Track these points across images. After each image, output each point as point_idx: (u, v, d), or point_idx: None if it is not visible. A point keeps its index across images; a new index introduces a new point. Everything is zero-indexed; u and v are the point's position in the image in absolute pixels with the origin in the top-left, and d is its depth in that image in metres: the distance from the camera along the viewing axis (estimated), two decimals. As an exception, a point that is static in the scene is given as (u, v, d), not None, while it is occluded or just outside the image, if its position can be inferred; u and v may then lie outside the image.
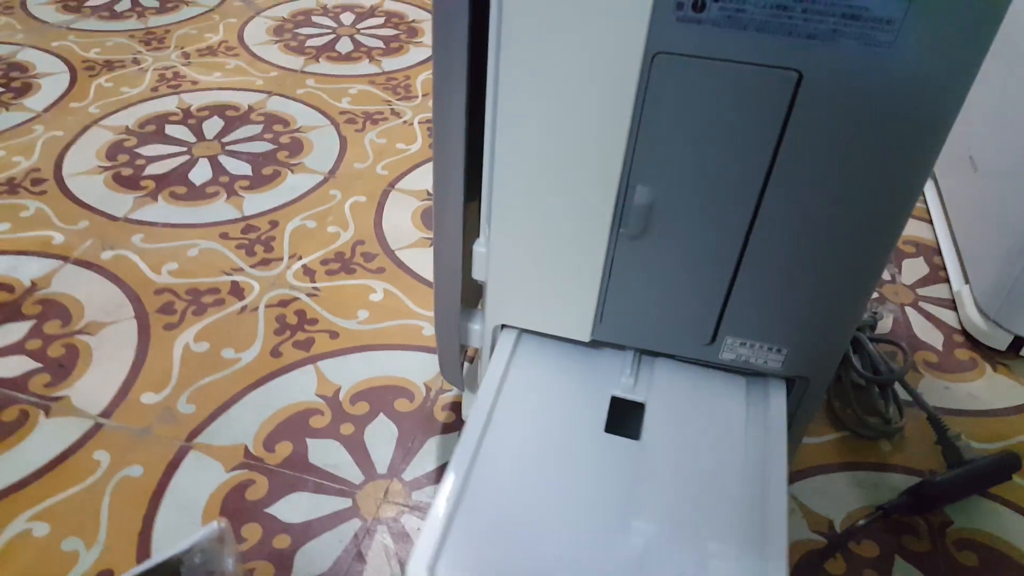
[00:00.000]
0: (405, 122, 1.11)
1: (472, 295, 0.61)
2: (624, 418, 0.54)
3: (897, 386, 0.75)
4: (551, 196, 0.48)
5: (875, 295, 0.92)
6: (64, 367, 0.73)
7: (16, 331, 0.76)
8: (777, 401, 0.53)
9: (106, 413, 0.68)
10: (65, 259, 0.84)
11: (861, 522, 0.63)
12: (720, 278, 0.50)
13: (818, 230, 0.46)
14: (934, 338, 0.85)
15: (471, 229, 0.55)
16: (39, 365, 0.73)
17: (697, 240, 0.48)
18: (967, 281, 0.90)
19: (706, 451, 0.50)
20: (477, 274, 0.55)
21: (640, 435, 0.51)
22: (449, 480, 0.46)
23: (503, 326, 0.57)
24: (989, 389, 0.78)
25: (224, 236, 0.88)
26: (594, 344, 0.57)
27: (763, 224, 0.46)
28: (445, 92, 0.47)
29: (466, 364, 0.66)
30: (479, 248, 0.54)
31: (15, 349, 0.74)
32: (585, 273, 0.52)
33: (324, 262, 0.86)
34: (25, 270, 0.83)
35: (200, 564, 0.37)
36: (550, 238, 0.50)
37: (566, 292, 0.53)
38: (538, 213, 0.49)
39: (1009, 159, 0.85)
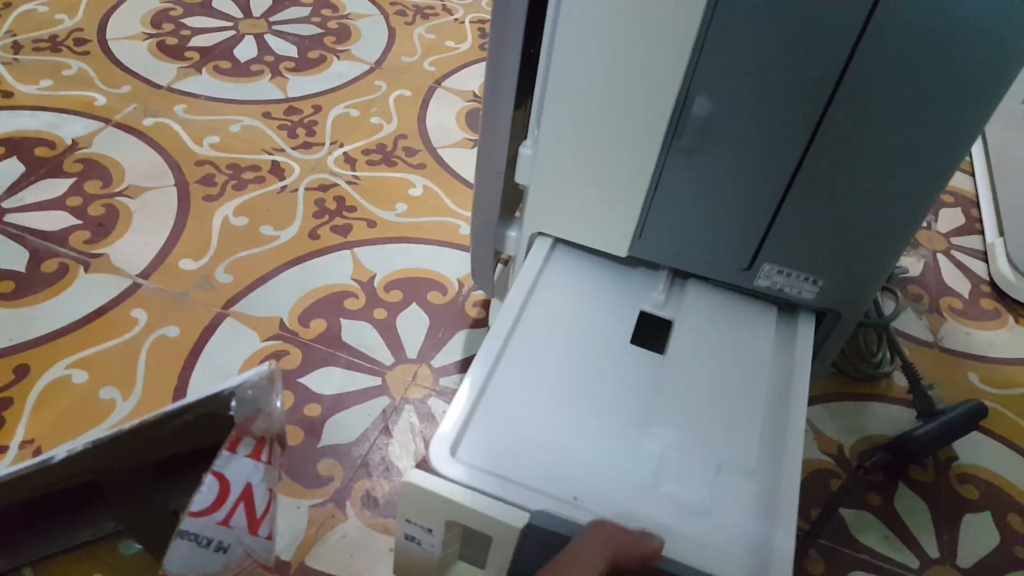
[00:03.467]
0: (456, 19, 1.09)
1: (510, 203, 0.61)
2: (651, 334, 0.54)
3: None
4: (606, 102, 0.47)
5: (912, 242, 0.91)
6: (104, 226, 0.73)
7: (57, 187, 0.76)
8: (805, 331, 0.54)
9: (144, 274, 0.69)
10: (107, 121, 0.84)
11: (847, 484, 0.62)
12: (768, 201, 0.49)
13: (873, 162, 0.45)
14: (961, 286, 0.85)
15: (518, 132, 0.54)
16: (79, 222, 0.73)
17: (750, 159, 0.47)
18: (1001, 234, 0.90)
19: (730, 371, 0.51)
20: (520, 177, 0.54)
21: (665, 350, 0.52)
22: (476, 370, 0.46)
23: (539, 234, 0.57)
24: (1010, 339, 0.79)
25: (267, 115, 0.87)
26: (627, 261, 0.56)
27: (819, 149, 0.45)
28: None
29: (498, 269, 0.66)
30: (525, 150, 0.53)
31: (56, 204, 0.75)
32: (631, 185, 0.51)
33: (365, 152, 0.85)
34: (67, 128, 0.82)
35: (250, 399, 0.38)
36: (600, 146, 0.49)
37: (608, 204, 0.52)
38: (591, 118, 0.48)
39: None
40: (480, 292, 0.73)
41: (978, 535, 0.61)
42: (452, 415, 0.44)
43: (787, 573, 0.38)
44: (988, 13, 0.38)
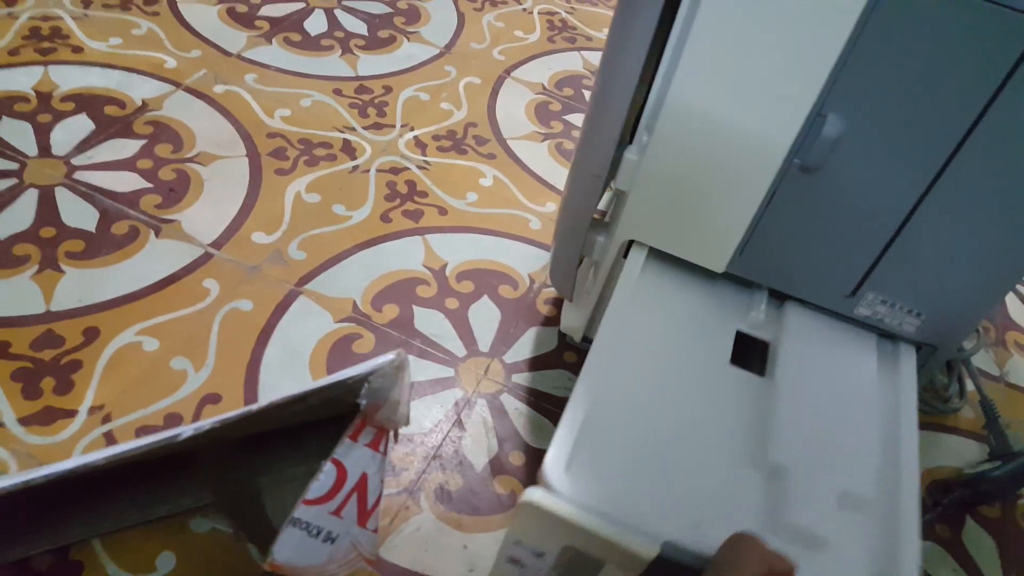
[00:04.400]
0: (525, 9, 1.07)
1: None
2: (749, 355, 0.53)
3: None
4: (729, 112, 0.45)
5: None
6: (175, 192, 0.72)
7: (127, 148, 0.75)
8: (908, 362, 0.52)
9: (216, 244, 0.68)
10: (177, 85, 0.83)
11: (926, 518, 0.62)
12: (883, 230, 0.48)
13: (999, 201, 0.44)
14: None
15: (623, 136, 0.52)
16: (150, 185, 0.72)
17: (873, 185, 0.46)
18: None
19: (837, 397, 0.49)
20: (622, 183, 0.52)
21: (765, 372, 0.51)
22: (582, 388, 0.45)
23: (633, 242, 0.56)
24: None
25: (337, 92, 0.86)
26: (720, 278, 0.55)
27: (947, 182, 0.44)
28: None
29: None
30: (630, 155, 0.51)
31: (126, 165, 0.73)
32: (741, 201, 0.49)
33: (436, 137, 0.84)
34: (136, 88, 0.81)
35: (378, 388, 0.37)
36: (714, 157, 0.47)
37: (713, 217, 0.50)
38: (709, 128, 0.46)
39: None
40: (551, 290, 0.72)
41: None
42: (563, 434, 0.42)
43: None
44: None
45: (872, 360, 0.52)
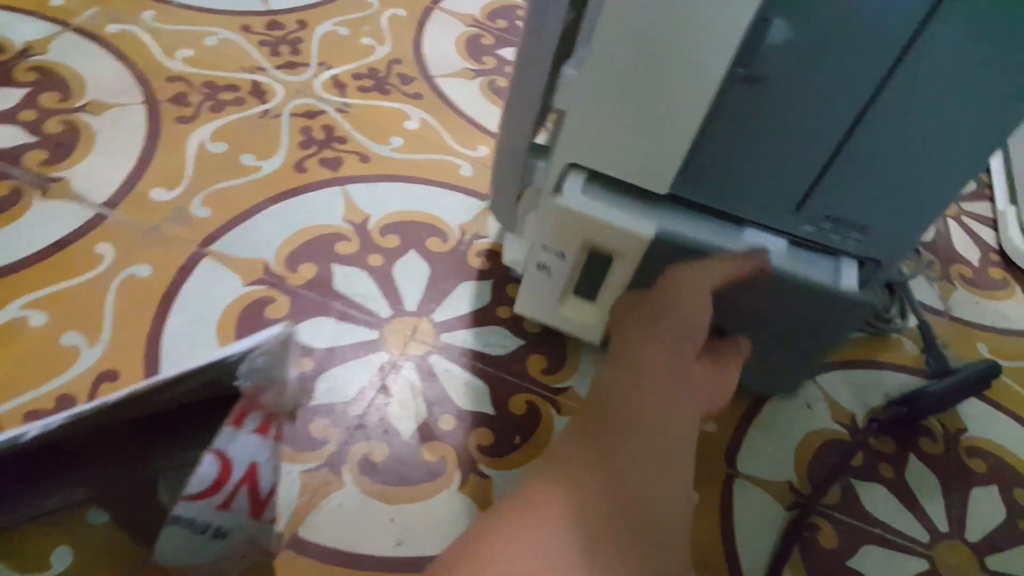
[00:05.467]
0: (453, -66, 0.99)
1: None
2: None
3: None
4: (670, 20, 0.42)
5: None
6: (63, 146, 0.65)
7: (8, 97, 0.67)
8: (849, 270, 0.52)
9: (111, 203, 0.62)
10: (64, 25, 0.74)
11: (862, 435, 0.62)
12: (827, 142, 0.47)
13: (936, 116, 0.44)
14: (971, 253, 0.84)
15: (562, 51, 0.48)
16: (34, 139, 0.65)
17: (816, 96, 0.45)
18: (1014, 202, 0.88)
19: None
20: (561, 101, 0.49)
21: None
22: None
23: (573, 165, 0.52)
24: (1019, 310, 0.78)
25: (246, 29, 0.78)
26: (665, 201, 0.52)
27: (889, 92, 0.44)
28: None
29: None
30: (569, 70, 0.47)
31: (6, 118, 0.66)
32: (683, 115, 0.46)
33: (356, 76, 0.77)
34: (18, 30, 0.73)
35: (261, 367, 0.33)
36: (656, 69, 0.44)
37: (654, 135, 0.48)
38: (650, 38, 0.43)
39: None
40: (484, 241, 0.67)
41: (985, 509, 0.61)
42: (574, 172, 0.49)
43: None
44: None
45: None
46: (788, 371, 0.58)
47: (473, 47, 0.85)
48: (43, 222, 0.60)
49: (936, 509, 0.60)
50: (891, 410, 0.63)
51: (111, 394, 0.33)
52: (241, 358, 0.32)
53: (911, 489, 0.60)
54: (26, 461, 0.42)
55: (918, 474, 0.62)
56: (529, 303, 0.57)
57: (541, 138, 0.56)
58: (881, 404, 0.65)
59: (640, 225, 0.48)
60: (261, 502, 0.36)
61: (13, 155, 0.63)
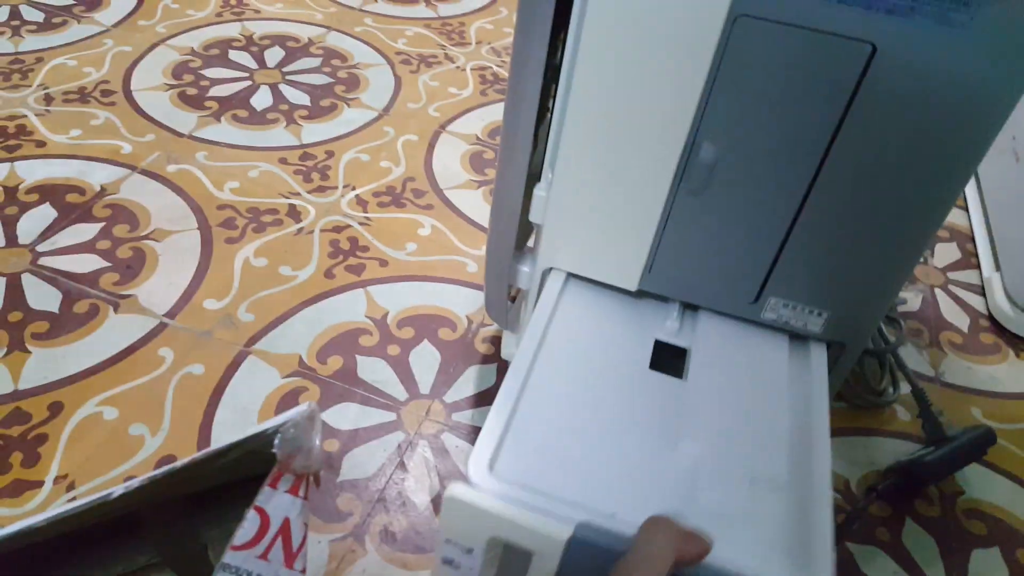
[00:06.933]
0: (458, 67, 1.14)
1: (521, 238, 0.64)
2: (668, 361, 0.56)
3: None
4: (618, 147, 0.51)
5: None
6: (132, 268, 0.77)
7: (87, 231, 0.80)
8: (819, 357, 0.56)
9: (171, 314, 0.73)
10: (132, 168, 0.88)
11: (860, 505, 0.64)
12: (772, 239, 0.52)
13: (872, 202, 0.48)
14: (960, 320, 0.86)
15: (532, 175, 0.57)
16: (108, 264, 0.77)
17: (755, 200, 0.50)
18: (998, 269, 0.91)
19: (750, 393, 0.53)
20: (535, 216, 0.57)
21: (684, 375, 0.54)
22: (506, 392, 0.49)
23: (552, 269, 0.61)
24: (1011, 373, 0.80)
25: (283, 161, 0.92)
26: (638, 295, 0.59)
27: (820, 191, 0.48)
28: (526, 39, 0.49)
29: (509, 305, 0.70)
30: (539, 192, 0.56)
31: (86, 248, 0.79)
32: (641, 224, 0.54)
33: (376, 194, 0.89)
34: (95, 175, 0.87)
35: (292, 438, 0.41)
36: (611, 188, 0.53)
37: (619, 241, 0.56)
38: (603, 163, 0.52)
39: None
40: (489, 328, 0.76)
41: (987, 570, 0.62)
42: (487, 434, 0.45)
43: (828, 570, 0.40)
44: (969, 70, 0.41)
45: (783, 359, 0.56)
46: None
47: (476, 161, 0.97)
48: (115, 332, 0.71)
49: (936, 572, 0.61)
50: (890, 480, 0.64)
51: (176, 462, 0.43)
52: (276, 430, 0.41)
53: (909, 552, 0.62)
54: (99, 531, 0.51)
55: (916, 537, 0.63)
56: None
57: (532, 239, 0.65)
58: (877, 470, 0.67)
59: (552, 527, 0.40)
60: (293, 553, 0.44)
61: (92, 278, 0.76)
